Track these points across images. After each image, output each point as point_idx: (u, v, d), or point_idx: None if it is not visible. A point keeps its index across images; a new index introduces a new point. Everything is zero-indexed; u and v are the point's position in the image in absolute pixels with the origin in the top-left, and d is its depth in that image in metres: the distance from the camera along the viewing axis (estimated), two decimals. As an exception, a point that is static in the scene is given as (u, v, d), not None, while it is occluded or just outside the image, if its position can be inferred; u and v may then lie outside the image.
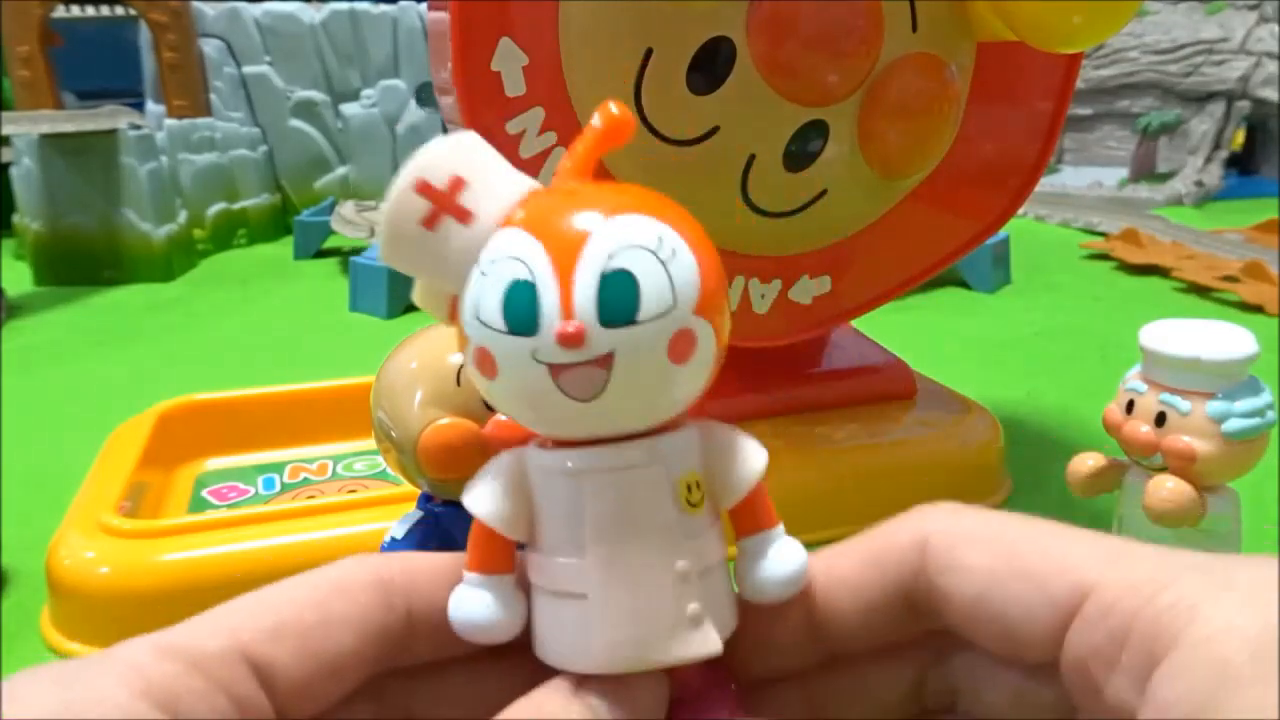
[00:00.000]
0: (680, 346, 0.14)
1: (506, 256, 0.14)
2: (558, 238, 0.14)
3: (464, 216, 0.15)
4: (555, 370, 0.14)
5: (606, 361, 0.14)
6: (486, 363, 0.15)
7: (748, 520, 0.16)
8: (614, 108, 0.15)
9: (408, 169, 0.15)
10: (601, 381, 0.14)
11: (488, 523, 0.16)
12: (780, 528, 0.16)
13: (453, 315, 0.15)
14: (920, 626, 0.16)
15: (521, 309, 0.14)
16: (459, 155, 0.15)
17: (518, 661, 0.16)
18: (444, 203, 0.15)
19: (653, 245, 0.14)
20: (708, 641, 0.15)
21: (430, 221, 0.14)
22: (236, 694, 0.13)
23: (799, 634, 0.16)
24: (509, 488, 0.16)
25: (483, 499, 0.16)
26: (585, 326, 0.14)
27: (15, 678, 0.13)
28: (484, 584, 0.15)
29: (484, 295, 0.14)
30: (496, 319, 0.14)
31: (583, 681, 0.15)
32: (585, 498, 0.15)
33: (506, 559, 0.16)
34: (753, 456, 0.16)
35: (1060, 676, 0.14)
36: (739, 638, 0.16)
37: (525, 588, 0.16)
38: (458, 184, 0.15)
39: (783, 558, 0.16)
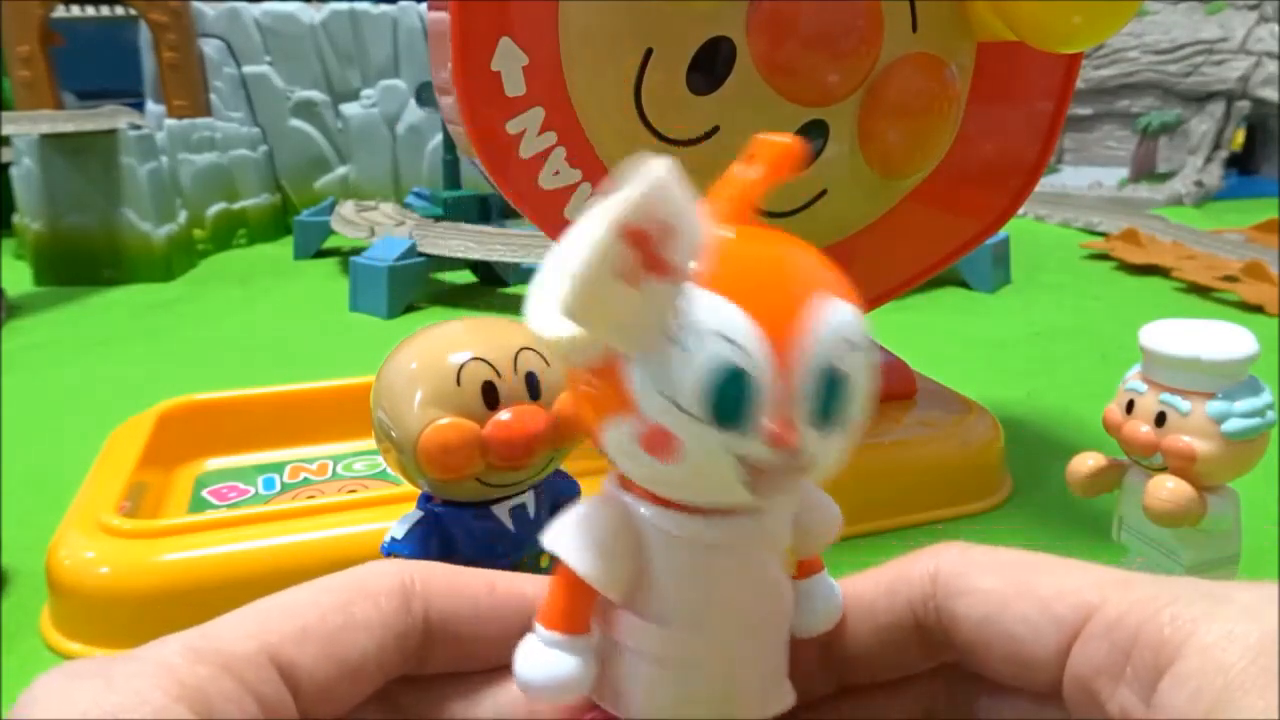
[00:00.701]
0: (853, 442, 0.13)
1: (713, 332, 0.12)
2: (774, 321, 0.12)
3: (664, 271, 0.12)
4: (755, 471, 0.13)
5: (808, 464, 0.13)
6: (664, 444, 0.13)
7: (806, 566, 0.16)
8: (777, 138, 0.13)
9: (618, 209, 0.12)
10: (795, 482, 0.13)
11: (593, 583, 0.14)
12: (825, 569, 0.16)
13: (606, 370, 0.13)
14: (931, 658, 0.16)
15: (732, 400, 0.12)
16: (666, 195, 0.12)
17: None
18: (651, 255, 0.12)
19: (861, 341, 0.13)
20: (788, 695, 0.15)
21: (633, 276, 0.12)
22: (265, 696, 0.13)
23: (813, 660, 0.17)
24: (616, 544, 0.14)
25: (585, 555, 0.14)
26: (800, 433, 0.12)
27: (49, 676, 0.13)
28: (565, 645, 0.14)
29: (680, 372, 0.12)
30: (696, 404, 0.12)
31: None
32: (716, 570, 0.14)
33: (588, 618, 0.15)
34: (833, 514, 0.16)
35: (1064, 701, 0.14)
36: None
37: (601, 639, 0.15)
38: (666, 231, 0.12)
39: (830, 597, 0.16)
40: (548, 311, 0.13)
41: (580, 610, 0.14)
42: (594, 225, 0.12)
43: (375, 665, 0.15)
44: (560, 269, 0.12)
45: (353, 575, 0.16)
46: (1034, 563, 0.15)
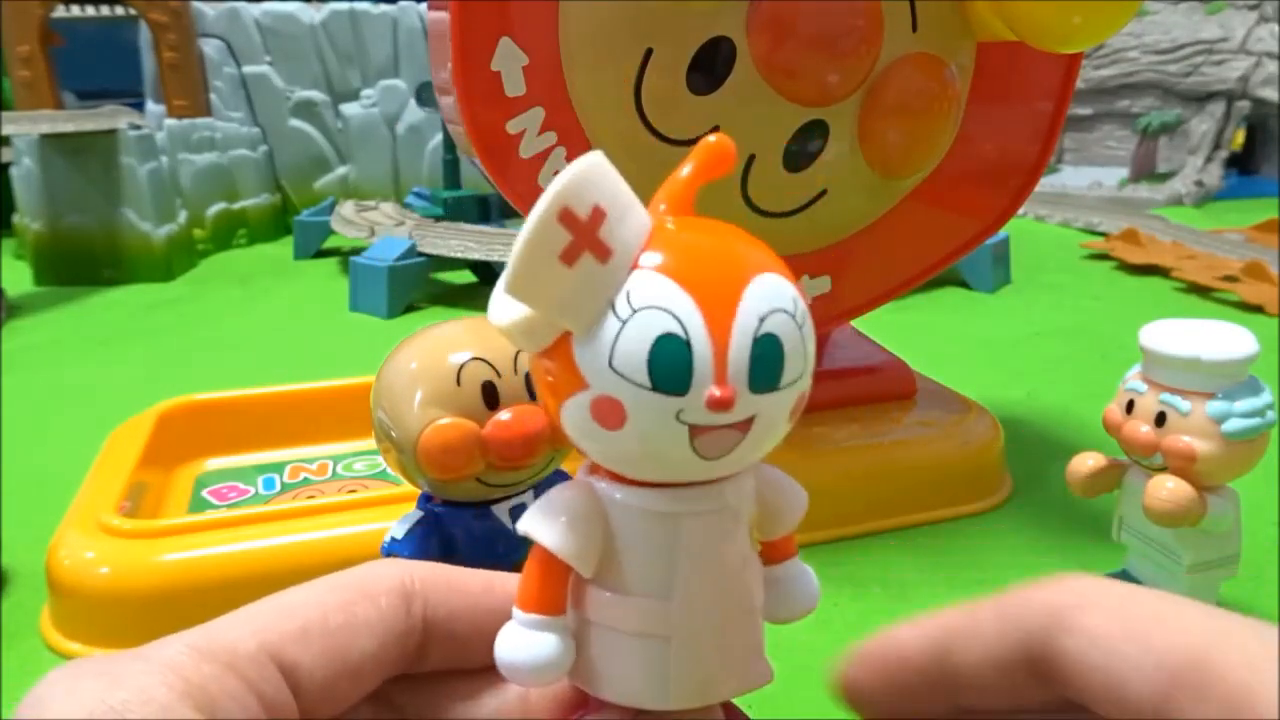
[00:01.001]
0: (799, 407, 0.14)
1: (654, 306, 0.13)
2: (711, 293, 0.13)
3: (602, 253, 0.13)
4: (695, 431, 0.13)
5: (747, 425, 0.14)
6: (612, 413, 0.14)
7: (780, 550, 0.17)
8: (712, 139, 0.15)
9: (550, 195, 0.13)
10: (736, 443, 0.14)
11: (566, 558, 0.15)
12: (798, 555, 0.17)
13: (556, 351, 0.14)
14: (1047, 693, 0.16)
15: (672, 366, 0.13)
16: (599, 181, 0.14)
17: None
18: (585, 236, 0.13)
19: (792, 309, 0.14)
20: (766, 671, 0.16)
21: (569, 256, 0.13)
22: (267, 695, 0.14)
23: (929, 679, 0.17)
24: (583, 523, 0.15)
25: (555, 533, 0.15)
26: (736, 392, 0.13)
27: (55, 674, 0.13)
28: (543, 625, 0.15)
29: (623, 344, 0.13)
30: (639, 372, 0.13)
31: (639, 715, 0.15)
32: (680, 540, 0.15)
33: (563, 598, 0.15)
34: (798, 495, 0.16)
35: None
36: (868, 678, 0.16)
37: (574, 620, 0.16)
38: (599, 214, 0.13)
39: (803, 584, 0.17)
40: (500, 299, 0.14)
41: (554, 591, 0.15)
42: (533, 212, 0.13)
43: (375, 665, 0.15)
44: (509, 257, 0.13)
45: (354, 575, 0.16)
46: (1147, 602, 0.15)
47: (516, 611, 0.15)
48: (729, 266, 0.14)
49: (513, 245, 0.13)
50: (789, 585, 0.17)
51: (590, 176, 0.14)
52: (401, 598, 0.15)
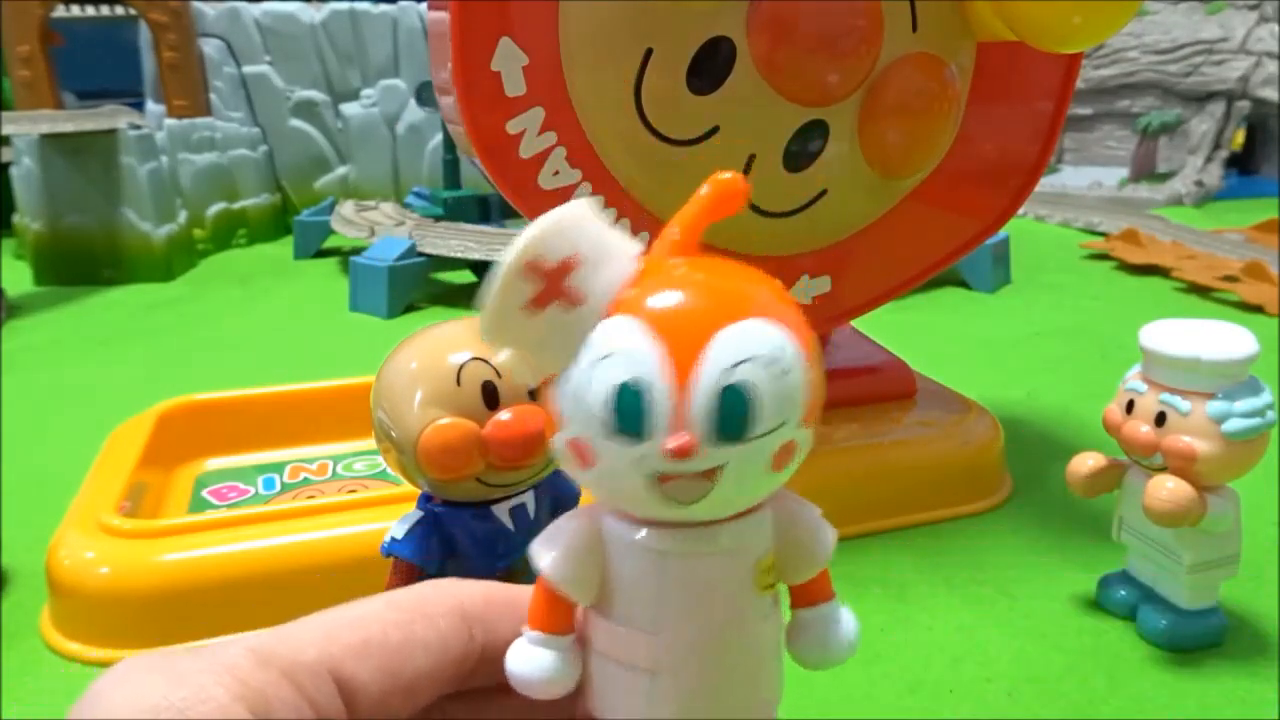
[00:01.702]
0: (783, 457, 0.14)
1: (618, 353, 0.13)
2: (676, 340, 0.13)
3: (573, 300, 0.14)
4: (661, 477, 0.13)
5: (713, 474, 0.13)
6: (582, 453, 0.14)
7: (810, 593, 0.16)
8: (726, 175, 0.15)
9: (519, 245, 0.13)
10: (705, 491, 0.14)
11: (556, 586, 0.15)
12: (836, 600, 0.16)
13: (544, 388, 0.15)
14: None
15: (631, 413, 0.13)
16: (571, 232, 0.14)
17: (568, 701, 0.16)
18: (553, 285, 0.14)
19: (771, 358, 0.13)
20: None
21: (537, 304, 0.14)
22: (321, 706, 0.14)
23: None
24: (581, 551, 0.15)
25: (554, 560, 0.15)
26: (697, 441, 0.13)
27: (118, 670, 0.13)
28: (545, 643, 0.15)
29: (589, 388, 0.13)
30: (602, 417, 0.13)
31: None
32: (668, 579, 0.15)
33: (569, 619, 0.16)
34: (824, 534, 0.16)
35: None
36: None
37: (582, 644, 0.16)
38: (569, 264, 0.14)
39: (842, 630, 0.16)
40: None
41: (558, 611, 0.15)
42: (503, 260, 0.13)
43: (429, 683, 0.15)
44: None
45: (416, 593, 0.16)
46: None
47: (525, 628, 0.16)
48: (702, 313, 0.13)
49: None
50: (819, 630, 0.16)
51: (562, 227, 0.14)
52: (459, 620, 0.16)
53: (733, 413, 0.13)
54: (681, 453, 0.13)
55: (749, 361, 0.13)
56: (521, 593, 0.17)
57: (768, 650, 0.16)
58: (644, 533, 0.15)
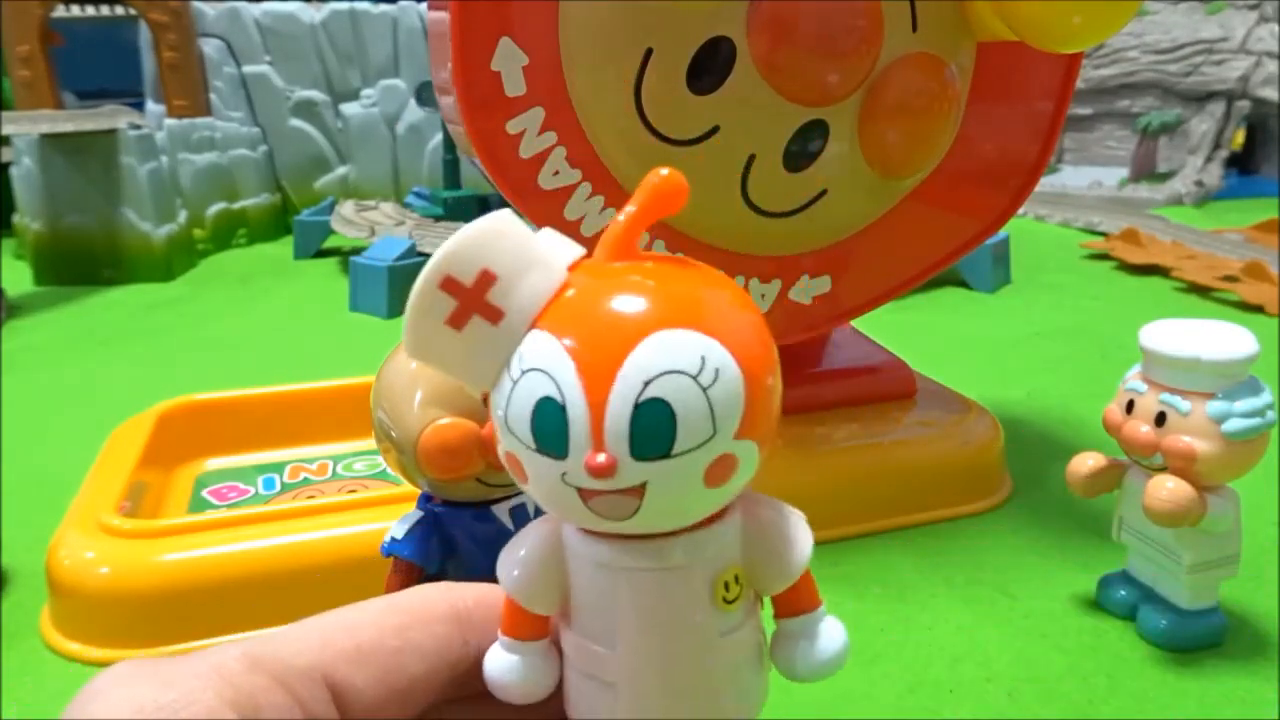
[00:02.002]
0: (718, 472, 0.13)
1: (537, 368, 0.13)
2: (590, 356, 0.13)
3: (493, 316, 0.13)
4: (585, 494, 0.13)
5: (639, 491, 0.13)
6: (516, 468, 0.14)
7: (791, 603, 0.16)
8: (663, 171, 0.14)
9: (433, 263, 0.13)
10: (633, 508, 0.13)
11: (512, 596, 0.15)
12: (822, 609, 0.16)
13: (486, 403, 0.14)
14: None
15: (550, 432, 0.13)
16: (488, 246, 0.13)
17: (560, 705, 0.16)
18: (471, 301, 0.13)
19: (693, 370, 0.13)
20: None
21: (456, 321, 0.13)
22: (313, 711, 0.14)
23: None
24: (541, 563, 0.15)
25: (511, 571, 0.15)
26: (616, 459, 0.13)
27: (110, 672, 0.13)
28: (515, 649, 0.15)
29: (513, 405, 0.13)
30: (524, 434, 0.13)
31: None
32: (620, 594, 0.15)
33: (540, 625, 0.15)
34: (799, 541, 0.15)
35: None
36: None
37: (559, 647, 0.16)
38: (486, 279, 0.13)
39: (826, 641, 0.16)
40: None
41: (525, 618, 0.15)
42: (418, 279, 0.13)
43: (424, 689, 0.15)
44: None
45: (411, 597, 0.16)
46: None
47: (499, 634, 0.16)
48: (619, 326, 0.13)
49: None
50: (804, 642, 0.16)
51: (478, 241, 0.13)
52: (455, 625, 0.16)
53: (650, 429, 0.13)
54: (599, 472, 0.13)
55: (667, 375, 0.13)
56: None
57: (738, 665, 0.15)
58: (595, 547, 0.15)
